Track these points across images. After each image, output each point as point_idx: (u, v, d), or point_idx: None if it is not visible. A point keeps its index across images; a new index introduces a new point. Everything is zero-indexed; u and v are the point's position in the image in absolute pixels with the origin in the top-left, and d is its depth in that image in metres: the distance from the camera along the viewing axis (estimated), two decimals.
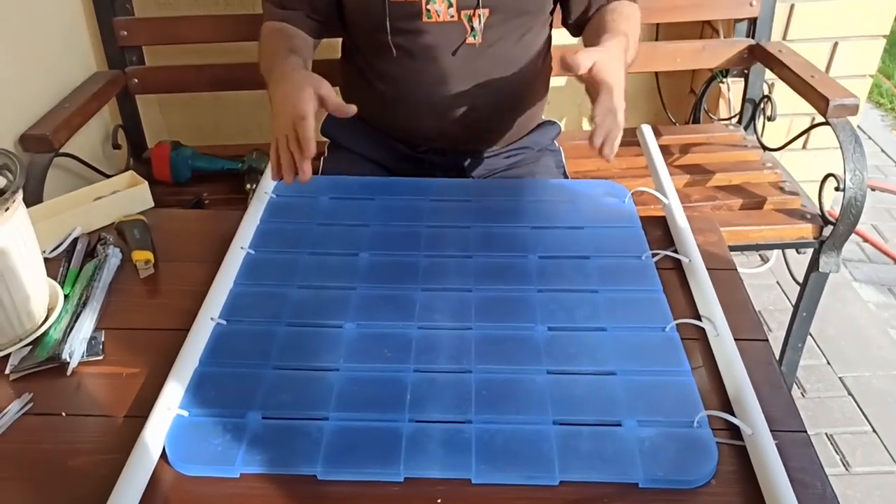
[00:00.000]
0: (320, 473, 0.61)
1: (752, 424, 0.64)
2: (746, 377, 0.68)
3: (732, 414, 0.66)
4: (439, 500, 0.60)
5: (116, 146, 1.47)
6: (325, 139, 1.23)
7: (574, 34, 1.17)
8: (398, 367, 0.71)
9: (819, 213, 1.33)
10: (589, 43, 1.12)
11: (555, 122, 1.25)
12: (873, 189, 2.30)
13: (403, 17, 1.02)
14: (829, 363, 1.61)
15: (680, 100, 1.91)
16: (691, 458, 0.63)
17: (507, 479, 0.62)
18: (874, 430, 1.44)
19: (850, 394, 1.53)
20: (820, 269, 1.32)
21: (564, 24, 1.16)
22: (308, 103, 0.84)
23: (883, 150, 2.57)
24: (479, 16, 1.02)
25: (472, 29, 1.03)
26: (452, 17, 1.02)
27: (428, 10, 1.01)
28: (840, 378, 1.57)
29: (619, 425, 0.66)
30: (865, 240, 2.07)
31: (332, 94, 0.88)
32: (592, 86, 0.88)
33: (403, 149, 1.15)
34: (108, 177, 1.34)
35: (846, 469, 1.36)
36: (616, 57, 0.91)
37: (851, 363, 1.60)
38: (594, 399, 0.68)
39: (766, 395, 0.68)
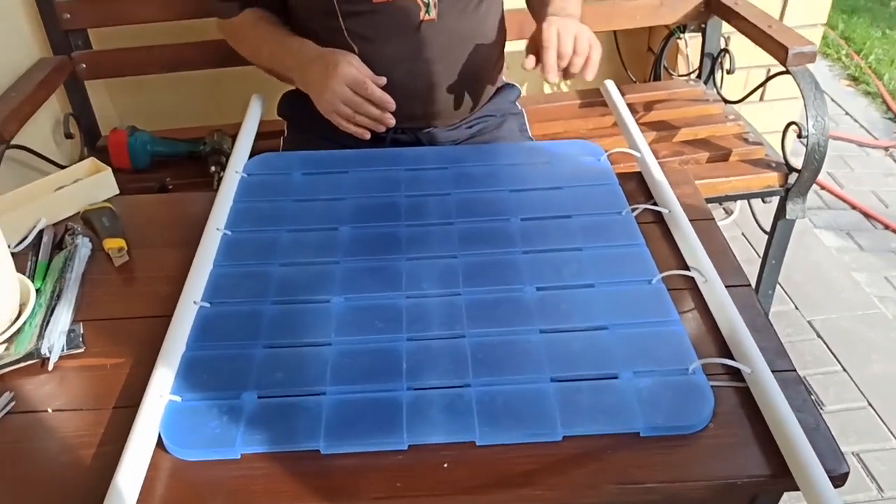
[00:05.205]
0: (323, 448, 0.61)
1: (751, 364, 0.65)
2: (740, 319, 0.70)
3: (726, 358, 0.67)
4: (445, 465, 0.60)
5: (69, 135, 1.40)
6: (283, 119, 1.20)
7: None
8: (391, 338, 0.71)
9: (783, 161, 1.36)
10: (532, 8, 1.14)
11: (514, 85, 1.24)
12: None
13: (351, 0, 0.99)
14: (797, 308, 1.65)
15: (639, 58, 1.92)
16: (689, 404, 0.64)
17: (510, 439, 0.62)
18: (844, 369, 1.49)
19: (819, 336, 1.58)
20: (787, 216, 1.35)
21: None
22: (361, 68, 0.96)
23: (833, 100, 2.63)
24: None
25: (426, 5, 1.00)
26: None
27: None
28: (808, 321, 1.62)
29: (616, 378, 0.66)
30: (823, 187, 2.13)
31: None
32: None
33: None
34: (63, 167, 1.29)
35: (821, 409, 1.41)
36: (550, 23, 0.96)
37: (818, 306, 1.65)
38: (589, 354, 0.69)
39: (754, 339, 0.70)
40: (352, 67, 0.95)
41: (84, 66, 1.41)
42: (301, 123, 1.17)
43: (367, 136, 0.98)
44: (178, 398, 0.64)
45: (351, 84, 0.94)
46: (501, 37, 1.16)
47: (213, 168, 1.30)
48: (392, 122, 0.97)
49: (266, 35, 1.06)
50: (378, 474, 0.60)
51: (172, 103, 1.69)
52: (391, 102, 0.96)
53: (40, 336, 0.71)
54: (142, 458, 0.59)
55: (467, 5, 1.04)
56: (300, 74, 1.01)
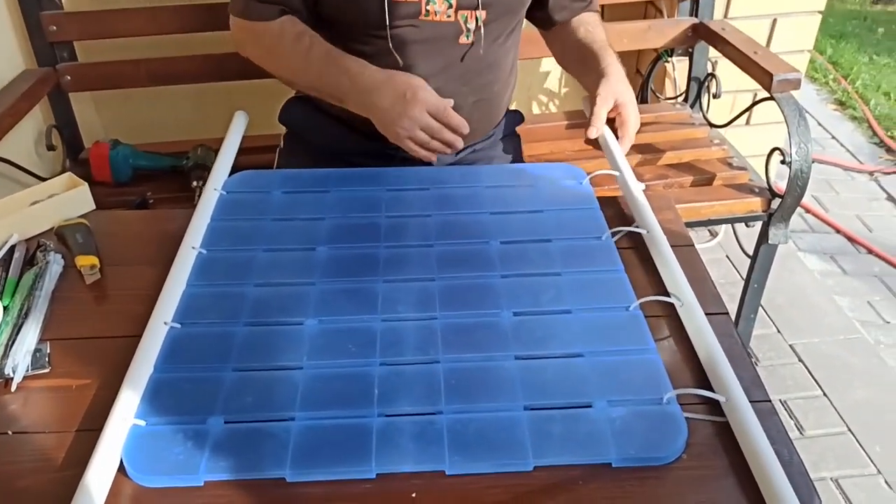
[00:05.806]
0: (289, 476, 0.60)
1: (727, 394, 0.65)
2: (718, 347, 0.69)
3: (701, 388, 0.67)
4: (414, 495, 0.59)
5: (51, 147, 1.39)
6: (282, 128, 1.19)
7: (543, 27, 1.18)
8: (364, 362, 0.70)
9: (766, 186, 1.37)
10: (572, 65, 1.16)
11: (518, 112, 1.25)
12: (812, 161, 2.38)
13: (401, 16, 0.98)
14: (779, 331, 1.65)
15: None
16: (662, 435, 0.63)
17: (481, 469, 0.61)
18: (825, 394, 1.49)
19: (800, 360, 1.58)
20: (769, 241, 1.35)
21: (537, 18, 1.16)
22: (436, 94, 0.95)
23: (820, 124, 2.65)
24: (477, 17, 1.00)
25: (467, 29, 1.01)
26: (450, 17, 0.99)
27: (427, 10, 0.98)
28: (790, 345, 1.62)
29: (590, 406, 0.66)
30: (808, 211, 2.14)
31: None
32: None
33: (373, 144, 1.07)
34: (44, 180, 1.28)
35: (800, 433, 1.40)
36: (616, 86, 1.02)
37: (801, 330, 1.65)
38: (563, 382, 0.68)
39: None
40: (431, 94, 0.94)
41: (69, 78, 1.40)
42: (305, 133, 1.16)
43: (435, 159, 0.99)
44: (142, 422, 0.63)
45: (432, 110, 0.94)
46: (516, 67, 1.18)
47: (195, 183, 1.29)
48: (461, 145, 0.98)
49: (314, 52, 1.00)
50: (344, 503, 0.59)
51: (158, 116, 1.68)
52: (466, 126, 0.96)
53: (5, 355, 0.69)
54: (102, 484, 0.57)
55: (500, 35, 1.06)
56: (361, 97, 0.97)
